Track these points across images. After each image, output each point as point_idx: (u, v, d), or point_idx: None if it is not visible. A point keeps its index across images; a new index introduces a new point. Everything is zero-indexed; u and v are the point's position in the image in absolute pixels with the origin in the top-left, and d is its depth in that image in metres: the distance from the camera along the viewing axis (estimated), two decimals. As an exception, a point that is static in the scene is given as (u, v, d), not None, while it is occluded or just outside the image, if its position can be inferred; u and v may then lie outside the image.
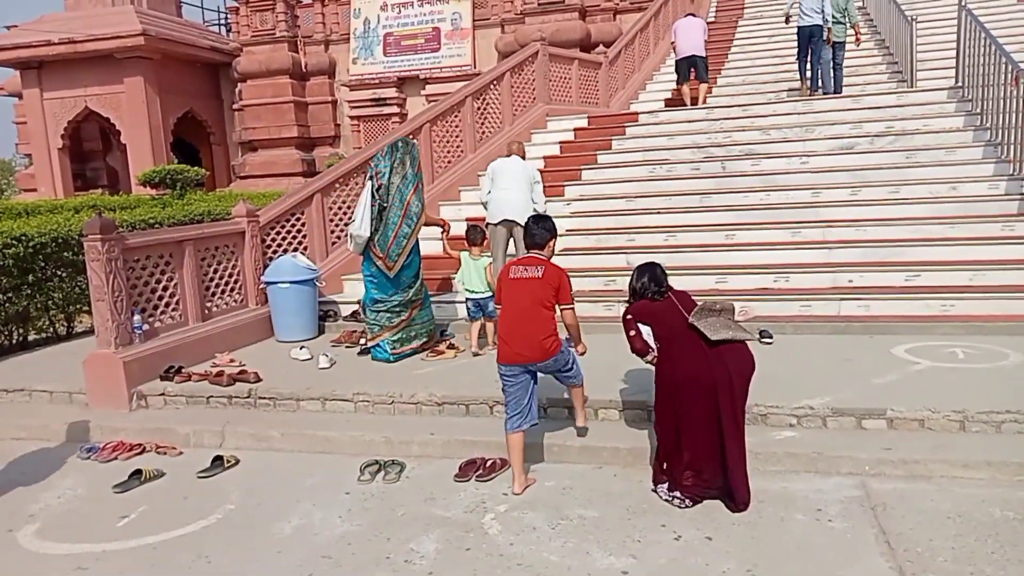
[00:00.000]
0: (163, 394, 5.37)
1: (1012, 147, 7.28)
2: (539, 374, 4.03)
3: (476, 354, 5.88)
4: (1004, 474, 3.65)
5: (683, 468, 3.63)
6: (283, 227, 7.34)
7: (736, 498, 3.53)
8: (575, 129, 10.15)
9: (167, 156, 17.85)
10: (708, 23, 14.86)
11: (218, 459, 4.42)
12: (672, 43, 11.27)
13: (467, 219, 7.29)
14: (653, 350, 3.81)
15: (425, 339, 6.05)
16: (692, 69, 10.88)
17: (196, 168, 14.13)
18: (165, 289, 5.95)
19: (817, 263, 6.69)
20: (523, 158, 6.65)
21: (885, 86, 10.29)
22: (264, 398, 5.17)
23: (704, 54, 10.88)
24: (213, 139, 20.27)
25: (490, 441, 4.34)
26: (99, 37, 16.94)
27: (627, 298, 4.00)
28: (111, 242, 5.30)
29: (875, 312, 6.03)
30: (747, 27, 14.12)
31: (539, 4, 17.55)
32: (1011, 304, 5.80)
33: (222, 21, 22.66)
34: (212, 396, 5.26)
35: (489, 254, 6.24)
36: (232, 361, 5.87)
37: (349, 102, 19.46)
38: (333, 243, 7.80)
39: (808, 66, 10.29)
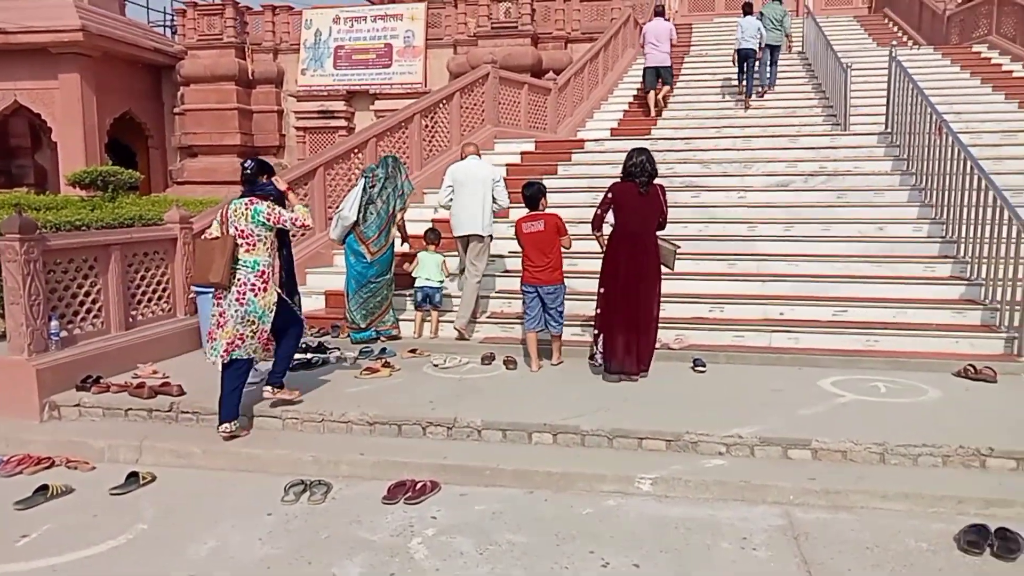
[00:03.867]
0: (78, 405, 5.10)
1: (935, 192, 7.65)
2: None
3: (412, 350, 6.40)
4: (919, 506, 3.77)
5: (617, 341, 5.42)
6: (218, 236, 7.11)
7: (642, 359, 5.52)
8: (522, 152, 10.22)
9: (101, 157, 17.19)
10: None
11: (133, 475, 4.20)
12: (641, 45, 12.66)
13: (409, 237, 7.29)
14: (603, 234, 5.57)
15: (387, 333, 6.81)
16: (659, 77, 12.11)
17: (131, 171, 13.62)
18: (88, 295, 5.68)
19: (751, 295, 6.85)
20: (479, 156, 6.92)
21: (820, 128, 10.71)
22: (187, 412, 4.96)
23: (670, 63, 12.17)
24: (151, 142, 19.64)
25: (421, 463, 4.26)
26: (34, 30, 16.27)
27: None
28: (31, 243, 5.04)
29: (804, 344, 6.20)
30: (692, 64, 14.55)
31: (492, 28, 17.72)
32: (930, 342, 6.05)
33: (167, 23, 22.13)
34: (131, 409, 5.02)
35: (441, 253, 7.02)
36: (155, 372, 5.64)
37: (296, 113, 19.19)
38: (270, 254, 7.60)
39: (745, 81, 12.16)
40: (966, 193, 6.79)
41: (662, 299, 6.30)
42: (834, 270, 7.04)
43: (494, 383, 5.50)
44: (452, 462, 4.26)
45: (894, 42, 11.44)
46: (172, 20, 21.36)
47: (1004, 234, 6.00)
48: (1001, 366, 5.54)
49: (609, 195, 5.46)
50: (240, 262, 4.65)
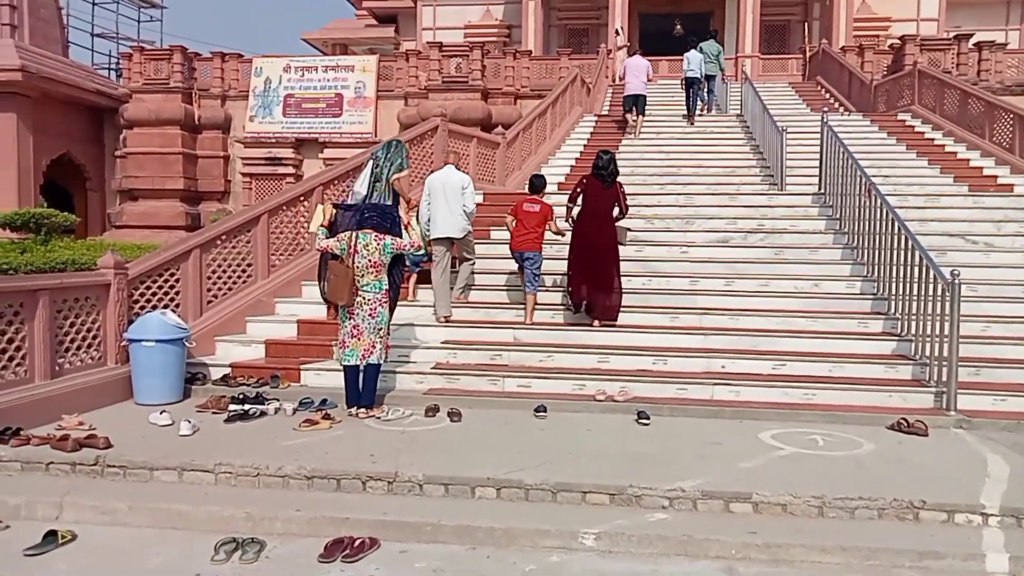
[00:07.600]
0: (-6, 459, 4.81)
1: (866, 251, 7.99)
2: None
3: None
4: (856, 559, 3.82)
5: (581, 291, 7.20)
6: (155, 282, 6.90)
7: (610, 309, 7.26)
8: (470, 204, 10.27)
9: (35, 199, 16.68)
10: (601, 115, 15.86)
11: (51, 534, 3.95)
12: (621, 76, 14.66)
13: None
14: (572, 208, 7.47)
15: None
16: (635, 105, 13.79)
17: (66, 214, 13.25)
18: (11, 341, 5.42)
19: (693, 348, 6.96)
20: (457, 166, 7.78)
21: (759, 187, 11.11)
22: (113, 466, 4.72)
23: (646, 92, 13.87)
24: (89, 185, 19.19)
25: (361, 519, 4.13)
26: (-30, 68, 15.89)
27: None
28: (-49, 286, 4.81)
29: (745, 398, 6.30)
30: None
31: (443, 81, 18.06)
32: (865, 396, 6.22)
33: (112, 66, 21.87)
34: (53, 462, 4.76)
35: None
36: (81, 424, 5.37)
37: (243, 159, 19.03)
38: (209, 302, 7.42)
39: (689, 104, 14.61)
40: (895, 252, 7.11)
41: (612, 352, 6.44)
42: (773, 324, 7.23)
43: (437, 436, 5.41)
44: (392, 518, 4.14)
45: (826, 108, 12.08)
46: (117, 63, 21.13)
47: (930, 292, 6.28)
48: (931, 420, 5.72)
49: (584, 181, 7.36)
50: (369, 285, 5.75)
